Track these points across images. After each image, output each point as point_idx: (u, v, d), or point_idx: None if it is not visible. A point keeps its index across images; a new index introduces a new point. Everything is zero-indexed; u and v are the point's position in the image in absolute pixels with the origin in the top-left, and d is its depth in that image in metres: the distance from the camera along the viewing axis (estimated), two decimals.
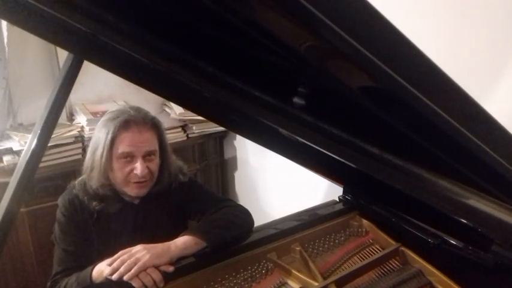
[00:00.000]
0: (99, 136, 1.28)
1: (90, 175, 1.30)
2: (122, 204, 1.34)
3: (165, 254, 1.10)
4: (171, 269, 1.08)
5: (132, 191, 1.30)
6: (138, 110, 1.32)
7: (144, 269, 1.05)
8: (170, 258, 1.10)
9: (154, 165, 1.32)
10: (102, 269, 1.12)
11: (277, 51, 0.75)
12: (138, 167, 1.26)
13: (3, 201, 0.99)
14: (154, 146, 1.31)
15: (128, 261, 1.06)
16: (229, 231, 1.22)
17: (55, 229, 1.34)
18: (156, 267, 1.07)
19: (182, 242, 1.14)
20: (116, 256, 1.09)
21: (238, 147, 2.72)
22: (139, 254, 1.08)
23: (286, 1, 0.60)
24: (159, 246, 1.12)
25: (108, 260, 1.10)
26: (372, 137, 0.90)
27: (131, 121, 1.27)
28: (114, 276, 1.05)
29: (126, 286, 1.04)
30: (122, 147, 1.25)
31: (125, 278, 1.04)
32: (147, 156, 1.29)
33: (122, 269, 1.05)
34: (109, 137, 1.25)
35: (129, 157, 1.27)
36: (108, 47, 0.84)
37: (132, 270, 1.04)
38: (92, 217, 1.31)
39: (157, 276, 1.05)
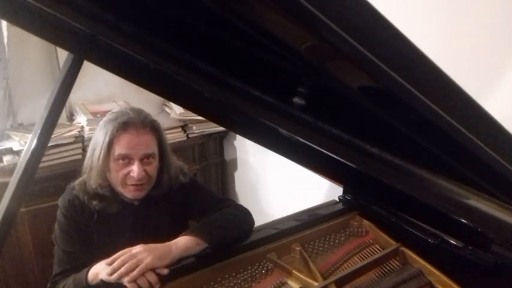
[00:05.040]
0: (98, 136, 1.28)
1: (89, 175, 1.30)
2: (121, 205, 1.33)
3: (167, 255, 1.09)
4: (165, 271, 1.07)
5: (129, 193, 1.29)
6: (138, 112, 1.31)
7: (146, 271, 1.04)
8: (171, 260, 1.10)
9: (152, 168, 1.30)
10: (97, 271, 1.11)
11: (277, 51, 0.75)
12: (135, 170, 1.25)
13: (3, 201, 0.99)
14: (153, 149, 1.30)
15: (130, 262, 1.04)
16: (230, 232, 1.22)
17: (55, 229, 1.34)
18: (153, 269, 1.06)
19: (183, 243, 1.14)
20: (115, 256, 1.07)
21: (238, 147, 2.72)
22: (141, 255, 1.06)
23: (286, 1, 0.60)
24: (160, 248, 1.11)
25: (107, 260, 1.08)
26: (372, 137, 0.90)
27: (130, 123, 1.25)
28: (114, 277, 1.03)
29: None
30: (119, 149, 1.25)
31: (126, 279, 1.03)
32: (144, 159, 1.27)
33: (122, 270, 1.04)
34: (107, 138, 1.25)
35: (127, 159, 1.26)
36: (108, 47, 0.84)
37: (134, 272, 1.03)
38: (92, 218, 1.31)
39: (153, 278, 1.04)
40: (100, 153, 1.26)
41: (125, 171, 1.26)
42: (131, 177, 1.26)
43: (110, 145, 1.25)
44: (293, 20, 0.63)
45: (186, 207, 1.42)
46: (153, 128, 1.30)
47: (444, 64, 0.71)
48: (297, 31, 0.65)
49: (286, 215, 1.39)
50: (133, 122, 1.26)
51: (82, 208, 1.31)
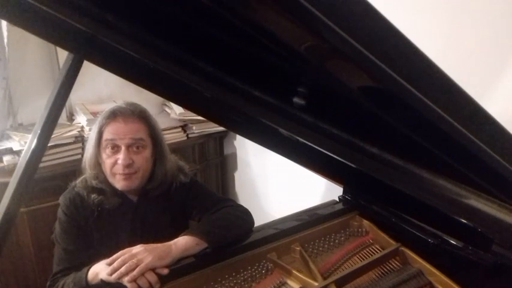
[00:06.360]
0: (92, 130, 1.33)
1: (86, 168, 1.33)
2: (121, 199, 1.33)
3: (167, 255, 1.09)
4: (165, 271, 1.07)
5: (118, 183, 1.29)
6: (129, 103, 1.33)
7: (146, 271, 1.04)
8: (171, 260, 1.10)
9: (141, 158, 1.30)
10: (97, 271, 1.11)
11: (277, 51, 0.75)
12: (121, 157, 1.26)
13: (3, 201, 0.99)
14: (141, 137, 1.30)
15: (130, 262, 1.05)
16: (230, 231, 1.22)
17: (56, 228, 1.34)
18: (153, 269, 1.06)
19: (183, 243, 1.14)
20: (115, 256, 1.08)
21: (238, 147, 2.72)
22: (141, 255, 1.07)
23: (286, 1, 0.60)
24: (160, 247, 1.11)
25: (106, 260, 1.09)
26: (371, 136, 0.90)
27: (117, 111, 1.28)
28: (114, 277, 1.03)
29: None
30: (106, 135, 1.28)
31: (126, 279, 1.03)
32: (133, 148, 1.28)
33: (123, 269, 1.04)
34: (97, 128, 1.29)
35: (115, 147, 1.27)
36: (108, 47, 0.84)
37: (135, 272, 1.03)
38: (93, 215, 1.31)
39: (152, 277, 1.05)
40: (92, 143, 1.29)
41: (112, 159, 1.27)
42: (118, 165, 1.27)
43: (100, 134, 1.28)
44: (293, 20, 0.63)
45: (186, 206, 1.43)
46: (142, 117, 1.31)
47: (444, 64, 0.71)
48: (297, 31, 0.65)
49: (286, 215, 1.39)
50: (121, 111, 1.29)
51: (83, 206, 1.32)
